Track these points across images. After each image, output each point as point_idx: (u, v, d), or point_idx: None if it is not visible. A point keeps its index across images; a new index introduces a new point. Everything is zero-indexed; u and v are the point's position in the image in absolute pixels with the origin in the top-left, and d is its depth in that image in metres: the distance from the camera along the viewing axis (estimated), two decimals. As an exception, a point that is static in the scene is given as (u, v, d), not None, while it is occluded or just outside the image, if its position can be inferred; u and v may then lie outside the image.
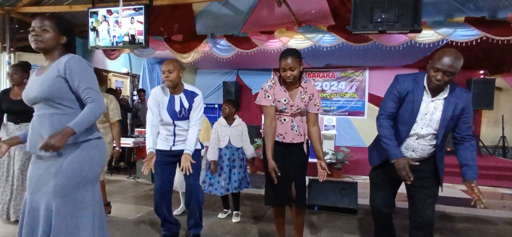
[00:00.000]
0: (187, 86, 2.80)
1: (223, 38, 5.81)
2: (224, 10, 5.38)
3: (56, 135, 1.65)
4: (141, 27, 4.66)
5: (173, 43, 5.94)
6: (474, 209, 4.29)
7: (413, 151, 2.19)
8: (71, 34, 1.95)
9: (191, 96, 2.75)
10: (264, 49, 5.63)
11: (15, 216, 3.16)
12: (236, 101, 3.76)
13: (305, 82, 2.47)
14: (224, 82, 9.24)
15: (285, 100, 2.42)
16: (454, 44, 4.81)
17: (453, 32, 4.72)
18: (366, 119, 8.55)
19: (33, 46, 1.82)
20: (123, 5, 4.60)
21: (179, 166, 2.70)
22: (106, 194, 3.54)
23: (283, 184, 2.43)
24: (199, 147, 2.92)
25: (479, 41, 4.68)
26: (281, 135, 2.45)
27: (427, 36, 4.79)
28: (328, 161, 5.97)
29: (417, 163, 2.10)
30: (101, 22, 4.85)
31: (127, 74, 8.55)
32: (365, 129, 8.25)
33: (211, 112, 8.96)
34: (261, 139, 5.54)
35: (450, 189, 5.30)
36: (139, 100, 7.94)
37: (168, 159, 2.80)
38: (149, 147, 2.67)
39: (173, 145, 2.78)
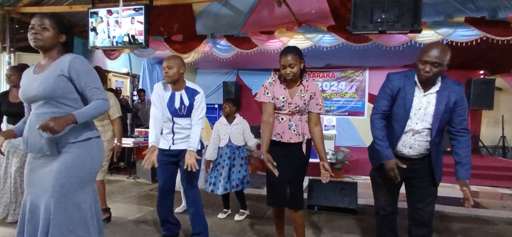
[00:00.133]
0: (189, 84, 2.77)
1: (223, 38, 5.81)
2: (224, 10, 5.38)
3: (57, 119, 1.65)
4: (141, 27, 4.66)
5: (173, 43, 5.94)
6: (474, 209, 4.31)
7: (410, 148, 2.18)
8: (70, 33, 1.95)
9: (192, 94, 2.71)
10: (264, 49, 5.63)
11: (12, 218, 3.17)
12: (236, 100, 3.76)
13: (306, 81, 2.43)
14: (224, 82, 9.24)
15: (283, 98, 2.40)
16: (454, 44, 4.81)
17: (453, 32, 4.72)
18: (366, 119, 8.54)
19: (32, 44, 1.82)
20: (123, 5, 4.60)
21: (181, 166, 2.71)
22: (106, 199, 3.47)
23: (279, 185, 2.42)
24: (199, 147, 2.90)
25: (479, 41, 4.68)
26: (279, 134, 2.43)
27: (427, 36, 4.78)
28: (328, 161, 5.96)
29: (404, 166, 2.11)
30: (101, 22, 4.85)
31: (127, 74, 8.55)
32: (365, 129, 8.16)
33: (211, 112, 8.96)
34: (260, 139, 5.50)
35: (450, 189, 5.29)
36: (139, 100, 7.94)
37: (168, 159, 2.80)
38: (151, 141, 2.63)
39: (173, 143, 2.77)
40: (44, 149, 1.79)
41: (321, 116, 2.55)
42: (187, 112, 2.71)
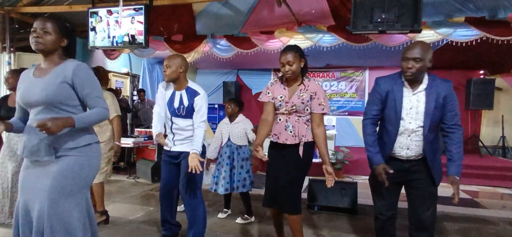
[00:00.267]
0: (191, 84, 2.70)
1: (223, 38, 5.80)
2: (224, 10, 5.38)
3: (55, 120, 1.66)
4: (141, 27, 4.66)
5: (173, 43, 5.94)
6: (474, 209, 4.31)
7: (408, 148, 2.18)
8: (73, 37, 1.95)
9: (192, 95, 2.64)
10: (264, 49, 5.62)
11: (10, 220, 3.17)
12: (239, 100, 3.71)
13: (308, 81, 2.38)
14: (224, 82, 9.24)
15: (281, 97, 2.38)
16: (454, 44, 4.81)
17: (453, 32, 4.71)
18: (366, 119, 8.54)
19: (33, 47, 1.82)
20: (123, 5, 4.60)
21: (181, 169, 2.70)
22: (103, 201, 3.42)
23: (273, 186, 2.40)
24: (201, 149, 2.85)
25: (479, 41, 4.68)
26: (276, 135, 2.42)
27: (427, 36, 4.78)
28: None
29: (391, 171, 2.14)
30: (101, 22, 4.85)
31: (127, 74, 8.55)
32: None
33: (211, 112, 8.96)
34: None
35: (450, 189, 5.29)
36: (139, 100, 7.94)
37: (170, 160, 2.80)
38: (156, 131, 2.69)
39: (173, 145, 2.75)
40: (42, 155, 1.78)
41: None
42: (186, 113, 2.65)
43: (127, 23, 4.72)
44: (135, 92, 8.76)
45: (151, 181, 5.34)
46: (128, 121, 7.80)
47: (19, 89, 1.88)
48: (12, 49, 5.44)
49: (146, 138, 5.88)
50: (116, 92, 6.94)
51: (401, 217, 2.50)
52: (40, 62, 1.89)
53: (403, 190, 2.36)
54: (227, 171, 3.50)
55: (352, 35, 4.66)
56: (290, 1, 4.73)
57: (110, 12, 4.77)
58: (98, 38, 4.90)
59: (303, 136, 2.36)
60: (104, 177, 3.32)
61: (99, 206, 3.31)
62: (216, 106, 9.26)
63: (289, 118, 2.38)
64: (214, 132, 4.05)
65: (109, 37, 4.84)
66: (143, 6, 4.61)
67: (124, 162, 6.42)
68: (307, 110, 2.37)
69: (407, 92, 2.15)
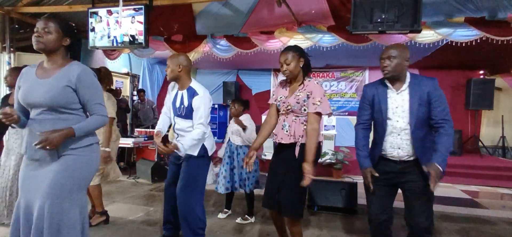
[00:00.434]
0: (193, 84, 2.68)
1: (223, 38, 5.80)
2: (224, 10, 5.38)
3: (55, 134, 1.70)
4: (141, 27, 4.66)
5: (173, 43, 5.94)
6: (473, 209, 4.32)
7: (399, 148, 2.19)
8: (76, 36, 1.95)
9: (191, 94, 2.62)
10: (264, 49, 5.62)
11: (9, 220, 3.17)
12: (243, 100, 3.68)
13: (308, 81, 2.36)
14: (224, 82, 9.24)
15: (281, 98, 2.42)
16: (454, 44, 4.81)
17: (453, 32, 4.72)
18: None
19: (35, 47, 1.82)
20: (123, 5, 4.60)
21: (181, 169, 2.71)
22: (102, 201, 3.39)
23: (270, 187, 2.41)
24: (194, 152, 2.65)
25: (479, 41, 4.68)
26: (275, 134, 2.45)
27: (427, 36, 4.79)
28: (328, 161, 5.98)
29: (376, 174, 2.20)
30: (100, 22, 4.85)
31: (127, 74, 8.55)
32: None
33: (211, 112, 8.96)
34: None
35: (450, 189, 5.30)
36: (139, 100, 7.94)
37: (174, 160, 2.82)
38: (156, 130, 2.73)
39: None
40: (44, 156, 1.80)
41: (323, 116, 2.42)
42: (186, 113, 2.62)
43: (127, 23, 4.72)
44: (135, 92, 8.76)
45: (151, 181, 5.34)
46: (128, 121, 7.80)
47: (19, 87, 1.88)
48: (12, 49, 5.45)
49: (146, 138, 5.88)
50: (116, 92, 6.94)
51: (400, 217, 2.50)
52: (43, 61, 1.90)
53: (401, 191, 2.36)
54: (228, 170, 3.51)
55: (352, 35, 4.66)
56: (290, 1, 4.73)
57: (110, 12, 4.78)
58: (98, 38, 4.90)
59: (299, 136, 2.30)
60: (99, 179, 3.29)
61: (99, 207, 3.31)
62: (216, 106, 9.26)
63: (286, 118, 2.38)
64: (213, 132, 4.07)
65: (109, 37, 4.84)
66: (143, 6, 4.61)
67: (124, 162, 6.42)
68: (305, 110, 2.32)
69: (391, 93, 2.23)
